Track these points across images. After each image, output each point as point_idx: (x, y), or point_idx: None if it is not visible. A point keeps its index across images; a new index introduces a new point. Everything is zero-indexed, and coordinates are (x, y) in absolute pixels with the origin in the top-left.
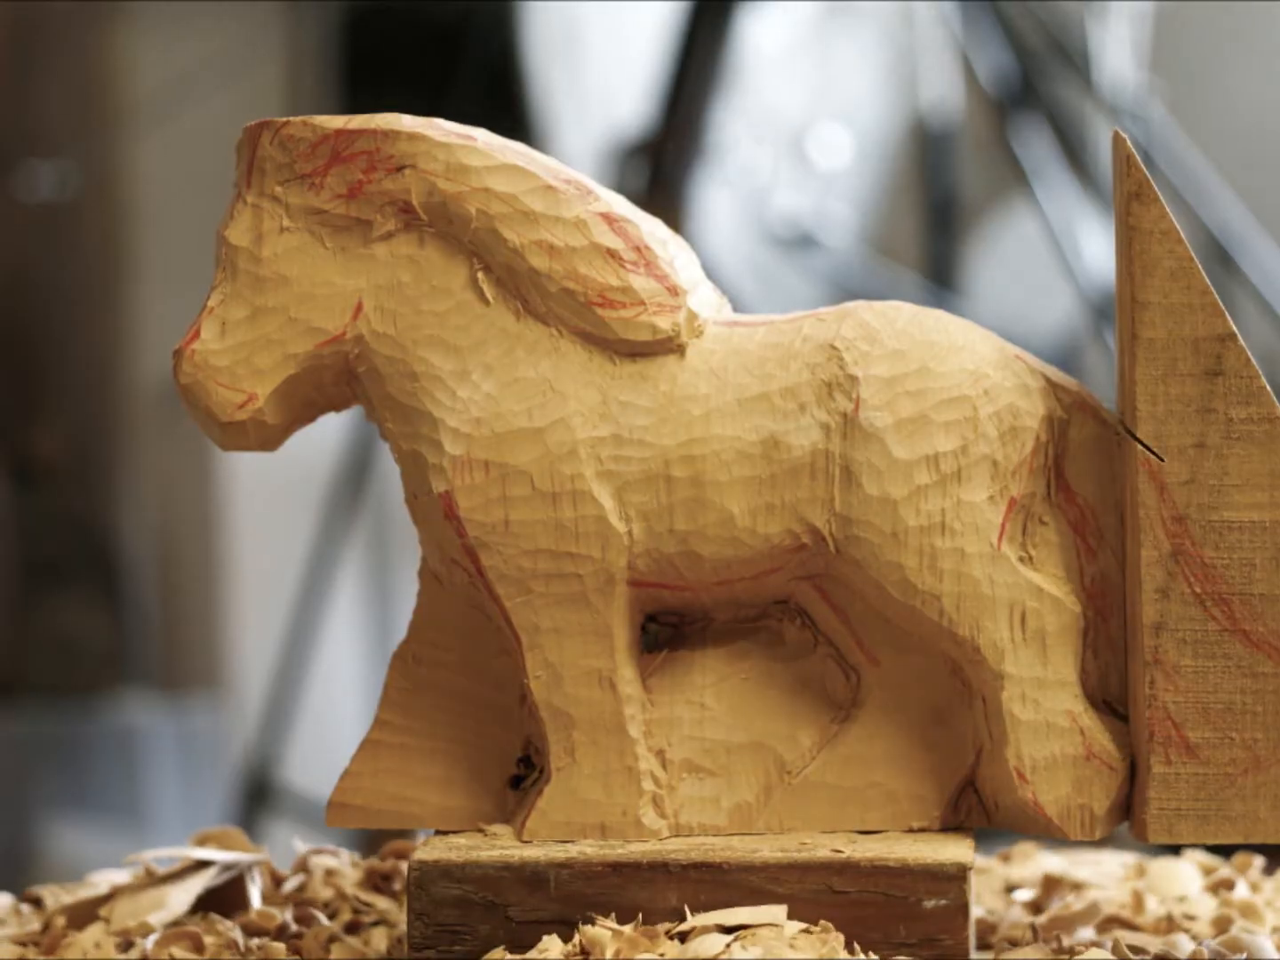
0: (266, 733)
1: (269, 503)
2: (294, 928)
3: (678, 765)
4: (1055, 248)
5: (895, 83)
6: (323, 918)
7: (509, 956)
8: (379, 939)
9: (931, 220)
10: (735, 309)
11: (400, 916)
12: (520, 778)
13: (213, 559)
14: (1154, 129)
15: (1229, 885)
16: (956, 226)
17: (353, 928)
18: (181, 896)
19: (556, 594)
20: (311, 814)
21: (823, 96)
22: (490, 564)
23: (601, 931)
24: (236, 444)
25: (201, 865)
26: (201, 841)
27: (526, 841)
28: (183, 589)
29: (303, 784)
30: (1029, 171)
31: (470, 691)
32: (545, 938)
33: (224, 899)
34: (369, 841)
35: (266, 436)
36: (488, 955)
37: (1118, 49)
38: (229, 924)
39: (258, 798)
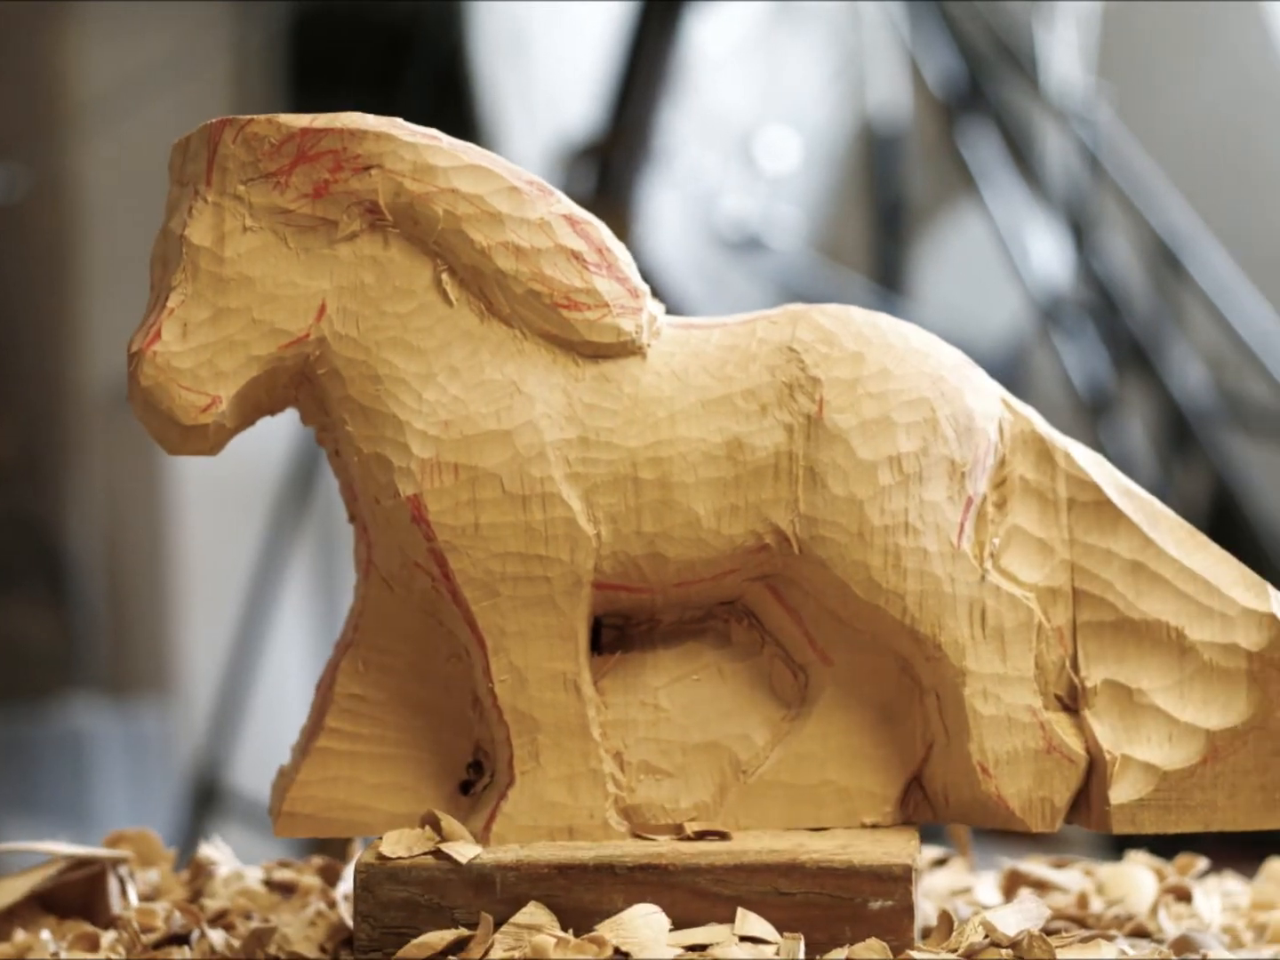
0: (214, 736)
1: (217, 506)
2: (179, 926)
3: (635, 767)
4: (1003, 250)
5: (843, 86)
6: (213, 932)
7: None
8: (265, 943)
9: (879, 223)
10: (683, 311)
11: (295, 923)
12: (470, 783)
13: (161, 563)
14: (1101, 132)
15: (1182, 892)
16: (904, 229)
17: (238, 929)
18: (17, 886)
19: (524, 597)
20: (259, 817)
21: (770, 99)
22: (459, 567)
23: (545, 939)
24: (192, 448)
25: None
26: (114, 842)
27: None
28: (131, 593)
29: (250, 787)
30: (976, 174)
31: (419, 696)
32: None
33: (87, 896)
34: (319, 850)
35: (220, 440)
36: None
37: (1065, 52)
38: (110, 925)
39: (206, 801)
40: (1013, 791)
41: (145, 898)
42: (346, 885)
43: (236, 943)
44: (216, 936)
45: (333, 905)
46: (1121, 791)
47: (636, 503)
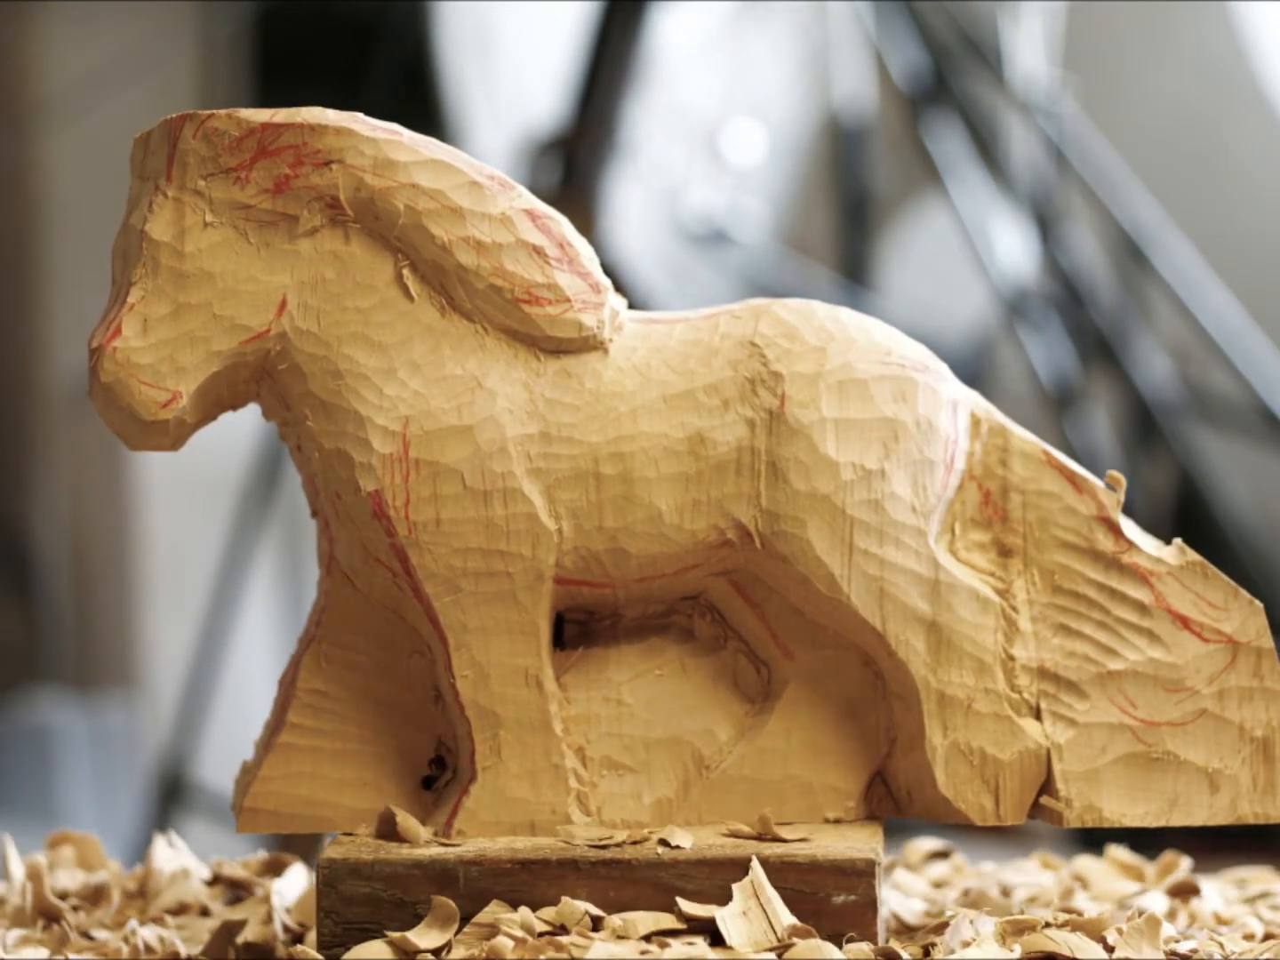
0: (180, 731)
1: (182, 501)
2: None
3: (597, 762)
4: (968, 243)
5: (808, 79)
6: (145, 929)
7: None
8: (234, 935)
9: (845, 216)
10: (649, 305)
11: (242, 920)
12: (433, 778)
13: (126, 557)
14: (1066, 125)
15: (1192, 889)
16: (870, 222)
17: (166, 923)
18: None
19: (485, 592)
20: (224, 812)
21: (736, 93)
22: (420, 563)
23: (504, 941)
24: (153, 444)
25: None
26: (57, 842)
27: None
28: (96, 587)
29: (215, 782)
30: (941, 167)
31: (381, 692)
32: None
33: None
34: (282, 838)
35: (181, 436)
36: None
37: (1030, 45)
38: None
39: (171, 795)
40: None
41: (88, 895)
42: (283, 882)
43: (169, 936)
44: (149, 933)
45: (268, 901)
46: None
47: (598, 498)
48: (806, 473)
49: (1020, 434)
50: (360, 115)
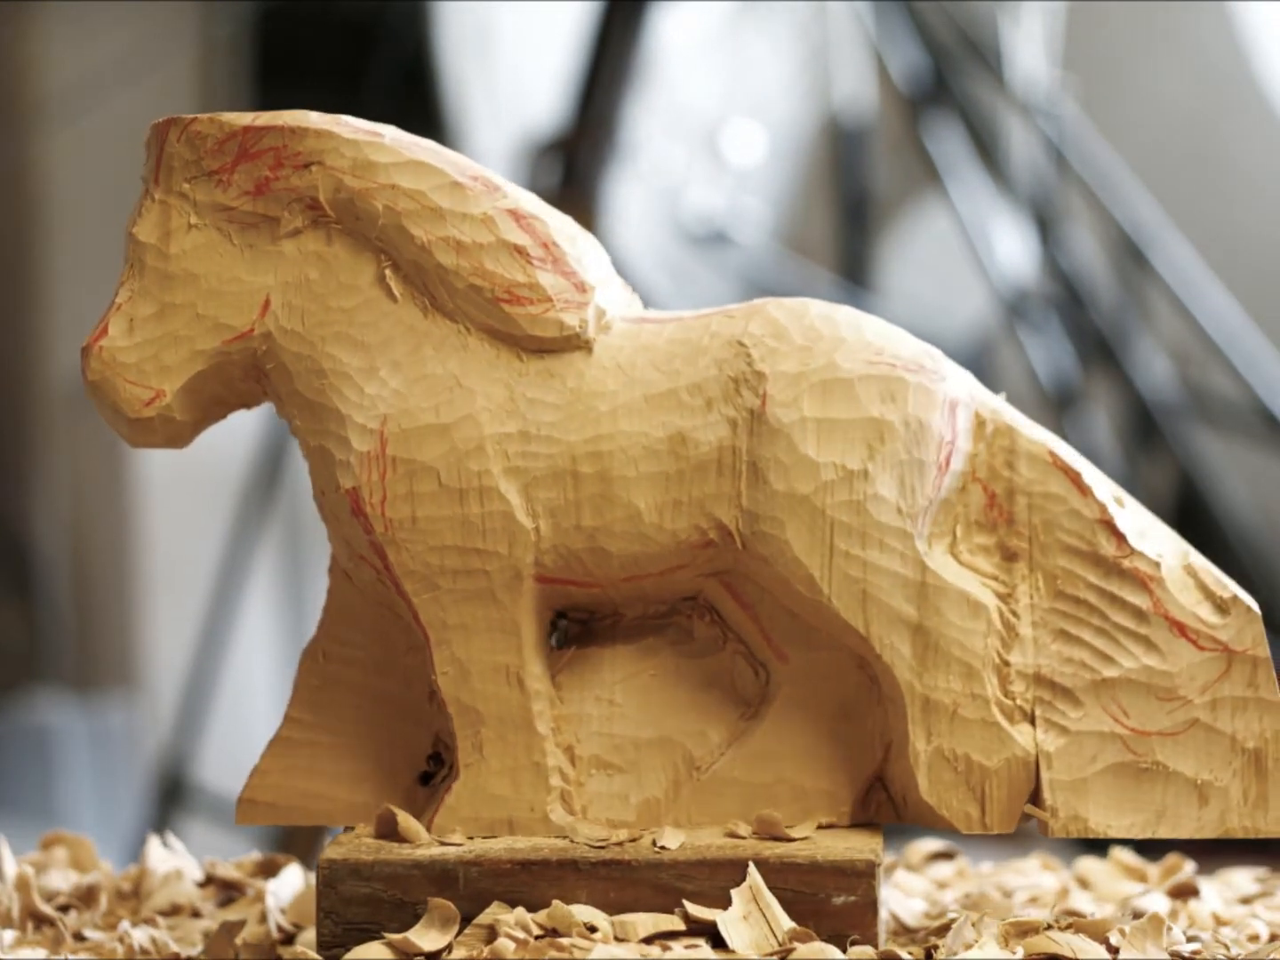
0: (180, 731)
1: (183, 501)
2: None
3: (586, 761)
4: (968, 244)
5: (808, 80)
6: (163, 932)
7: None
8: (234, 935)
9: (845, 217)
10: (648, 305)
11: (242, 920)
12: (430, 774)
13: (126, 557)
14: (1066, 126)
15: (1192, 890)
16: (870, 223)
17: (159, 923)
18: None
19: (464, 590)
20: (225, 811)
21: (736, 93)
22: (397, 560)
23: (505, 942)
24: (145, 441)
25: None
26: (49, 844)
27: (440, 839)
28: (96, 587)
29: (216, 782)
30: (942, 168)
31: (380, 688)
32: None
33: None
34: (282, 839)
35: (174, 433)
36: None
37: (1030, 46)
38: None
39: (171, 796)
40: None
41: (80, 896)
42: (278, 882)
43: (161, 937)
44: (141, 934)
45: (261, 901)
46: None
47: (576, 496)
48: (786, 473)
49: (1028, 434)
50: (344, 117)
